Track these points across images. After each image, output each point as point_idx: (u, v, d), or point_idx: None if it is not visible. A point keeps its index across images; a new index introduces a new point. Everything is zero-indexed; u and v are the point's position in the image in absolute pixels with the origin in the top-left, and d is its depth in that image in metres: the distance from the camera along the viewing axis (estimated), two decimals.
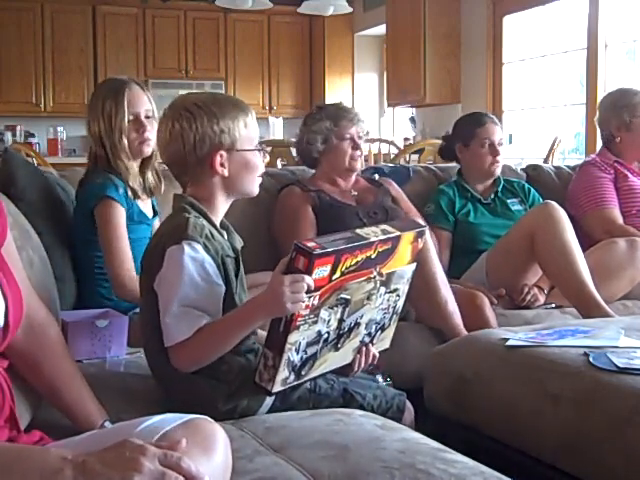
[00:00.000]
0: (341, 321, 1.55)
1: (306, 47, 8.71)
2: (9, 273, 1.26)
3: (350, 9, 6.76)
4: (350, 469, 1.23)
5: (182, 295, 1.52)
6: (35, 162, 4.24)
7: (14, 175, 2.30)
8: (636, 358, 1.75)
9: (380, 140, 5.58)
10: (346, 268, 1.45)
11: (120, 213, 2.26)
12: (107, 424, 1.42)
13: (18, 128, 7.52)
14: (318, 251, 1.38)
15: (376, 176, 3.08)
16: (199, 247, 1.55)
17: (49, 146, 7.37)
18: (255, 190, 1.72)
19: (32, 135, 7.53)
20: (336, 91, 8.37)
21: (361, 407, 1.68)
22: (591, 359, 1.76)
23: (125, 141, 2.30)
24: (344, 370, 1.70)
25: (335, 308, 1.51)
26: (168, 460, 0.92)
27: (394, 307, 1.69)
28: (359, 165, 2.84)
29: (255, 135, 1.69)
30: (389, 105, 7.85)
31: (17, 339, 1.30)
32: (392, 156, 5.26)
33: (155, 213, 2.46)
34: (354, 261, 1.46)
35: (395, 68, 7.25)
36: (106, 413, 1.46)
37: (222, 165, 1.64)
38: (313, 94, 8.67)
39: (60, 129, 7.39)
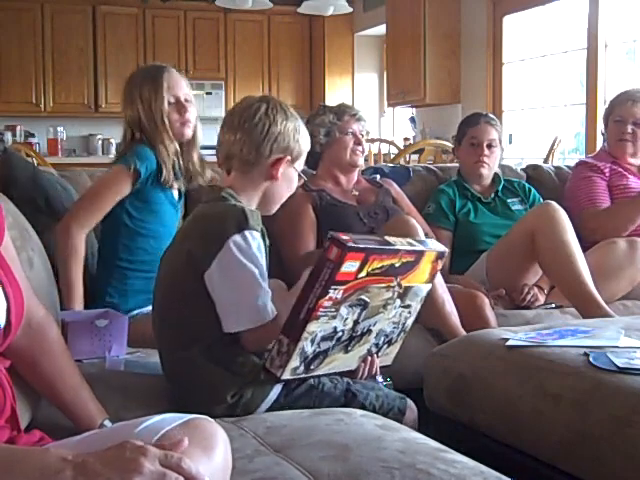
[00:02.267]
0: (356, 323, 1.58)
1: (306, 47, 8.71)
2: (9, 272, 1.26)
3: (350, 9, 6.75)
4: (350, 469, 1.23)
5: (262, 279, 1.59)
6: (35, 162, 4.25)
7: (14, 175, 2.30)
8: (636, 358, 1.75)
9: (380, 140, 5.59)
10: (372, 270, 1.49)
11: (119, 174, 2.25)
12: (107, 423, 1.42)
13: (18, 128, 7.53)
14: (351, 244, 1.43)
15: (377, 177, 3.08)
16: (258, 235, 1.63)
17: (49, 146, 7.37)
18: (273, 211, 1.80)
19: (32, 135, 7.54)
20: (336, 91, 8.36)
21: (363, 406, 1.69)
22: (591, 359, 1.76)
23: (167, 122, 2.31)
24: (347, 376, 1.73)
25: (354, 308, 1.54)
26: (168, 461, 0.92)
27: (404, 324, 1.72)
28: (361, 161, 2.86)
29: (303, 162, 1.80)
30: (389, 105, 7.85)
31: (16, 339, 1.29)
32: (392, 156, 5.26)
33: (180, 195, 2.46)
34: (380, 264, 1.49)
35: (395, 68, 7.25)
36: (106, 412, 1.46)
37: (280, 171, 1.72)
38: (313, 94, 8.67)
39: (60, 129, 7.40)
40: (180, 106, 2.34)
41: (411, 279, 1.60)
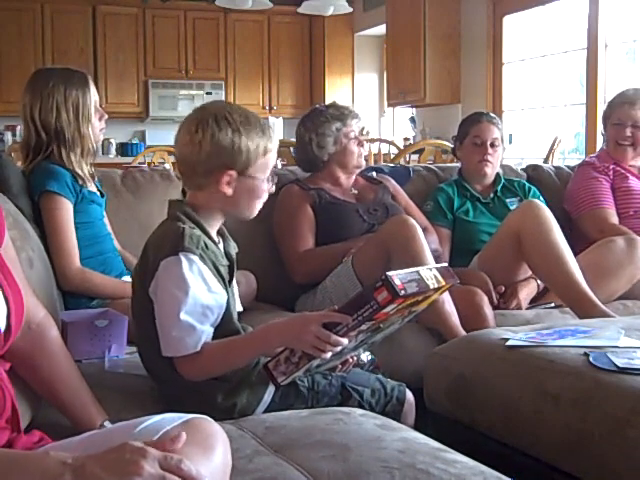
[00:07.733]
0: (362, 341, 1.60)
1: (306, 47, 8.71)
2: (9, 275, 1.26)
3: (350, 9, 6.76)
4: (350, 469, 1.23)
5: (186, 309, 1.51)
6: None
7: (7, 181, 2.30)
8: (636, 358, 1.75)
9: (380, 140, 5.58)
10: (401, 307, 1.49)
11: (64, 205, 2.26)
12: (107, 424, 1.42)
13: (18, 128, 7.52)
14: (403, 292, 1.42)
15: (374, 173, 3.08)
16: (196, 258, 1.53)
17: None
18: (252, 216, 1.69)
19: None
20: (336, 91, 8.37)
21: (359, 403, 1.69)
22: (591, 359, 1.76)
23: (91, 130, 2.35)
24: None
25: (368, 332, 1.55)
26: (168, 462, 0.92)
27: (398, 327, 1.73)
28: (364, 161, 2.89)
29: (272, 164, 1.66)
30: (389, 105, 7.85)
31: (15, 340, 1.29)
32: (392, 156, 5.26)
33: (102, 194, 2.47)
34: (409, 302, 1.50)
35: (395, 68, 7.25)
36: (105, 413, 1.46)
37: (228, 184, 1.60)
38: (313, 94, 8.67)
39: None
40: (101, 112, 2.38)
41: (423, 305, 1.62)
